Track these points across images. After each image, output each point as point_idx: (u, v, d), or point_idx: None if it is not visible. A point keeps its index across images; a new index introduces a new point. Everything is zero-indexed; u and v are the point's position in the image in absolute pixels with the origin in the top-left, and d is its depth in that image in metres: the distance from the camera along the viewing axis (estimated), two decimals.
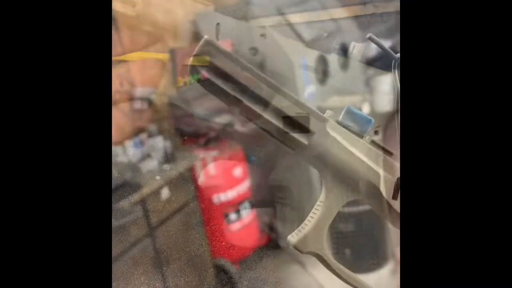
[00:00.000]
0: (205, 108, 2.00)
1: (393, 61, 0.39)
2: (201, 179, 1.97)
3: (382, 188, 0.27)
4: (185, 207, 1.81)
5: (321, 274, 2.12)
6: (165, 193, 1.70)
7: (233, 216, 2.06)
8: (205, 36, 0.27)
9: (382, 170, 0.28)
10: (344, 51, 2.75)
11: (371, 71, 3.95)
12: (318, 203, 0.29)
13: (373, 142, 0.29)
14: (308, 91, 2.32)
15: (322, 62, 2.54)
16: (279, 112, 0.28)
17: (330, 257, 0.28)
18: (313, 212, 0.29)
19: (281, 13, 2.36)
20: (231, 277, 2.03)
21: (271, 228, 2.32)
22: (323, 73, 2.54)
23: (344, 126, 0.28)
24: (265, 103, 0.27)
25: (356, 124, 0.29)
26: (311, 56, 2.39)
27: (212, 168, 1.97)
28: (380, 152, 0.28)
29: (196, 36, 2.54)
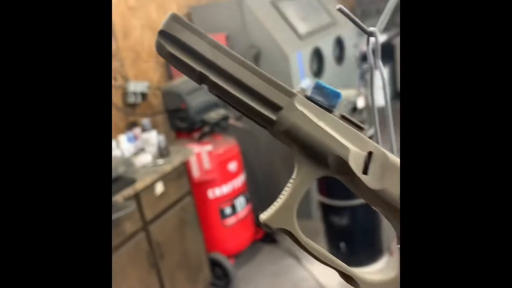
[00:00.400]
0: (200, 102, 1.99)
1: (366, 36, 0.38)
2: (196, 174, 1.96)
3: (352, 163, 0.26)
4: (179, 201, 1.81)
5: (317, 268, 2.13)
6: (159, 187, 1.69)
7: (228, 210, 2.05)
8: (171, 12, 0.27)
9: (352, 145, 0.27)
10: (339, 45, 2.73)
11: (367, 65, 3.95)
12: (290, 180, 0.28)
13: (343, 117, 0.28)
14: (303, 85, 2.32)
15: (318, 56, 2.53)
16: (246, 87, 0.27)
17: (300, 234, 0.27)
18: (285, 190, 0.28)
19: (276, 7, 2.34)
20: (226, 271, 2.04)
21: None
22: (318, 67, 2.53)
23: (313, 101, 0.27)
24: (232, 79, 0.27)
25: (325, 98, 0.28)
26: (306, 50, 2.39)
27: (207, 162, 1.96)
28: (350, 127, 0.27)
29: None
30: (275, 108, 0.27)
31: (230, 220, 2.08)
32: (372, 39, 0.38)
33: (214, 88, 0.27)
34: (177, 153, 1.83)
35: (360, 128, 0.28)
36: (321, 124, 0.27)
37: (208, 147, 1.96)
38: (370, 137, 0.29)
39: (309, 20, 2.49)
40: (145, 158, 1.75)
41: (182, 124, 1.99)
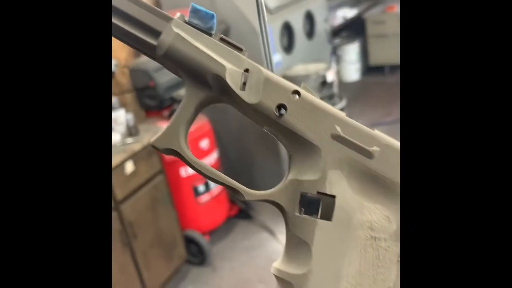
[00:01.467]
0: (169, 79, 1.96)
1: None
2: None
3: (229, 80, 0.27)
4: (151, 180, 1.80)
5: None
6: (129, 166, 1.67)
7: (201, 188, 2.06)
8: None
9: (228, 63, 0.28)
10: (310, 19, 2.72)
11: (338, 40, 3.94)
12: None
13: (222, 39, 0.29)
14: (274, 60, 2.30)
15: (288, 31, 2.51)
16: (127, 16, 0.28)
17: (187, 152, 0.28)
18: None
19: None
20: (201, 248, 2.06)
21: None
22: (288, 42, 2.52)
23: (191, 25, 0.29)
24: (114, 10, 0.28)
25: (201, 21, 0.29)
26: (276, 25, 2.36)
27: None
28: (228, 48, 0.28)
29: (157, 5, 2.45)
30: (155, 33, 0.28)
31: (204, 198, 2.08)
32: None
33: None
34: (146, 131, 1.81)
35: (239, 49, 0.29)
36: (197, 44, 0.28)
37: None
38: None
39: None
40: (114, 137, 1.72)
41: (151, 102, 1.95)
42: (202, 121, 2.04)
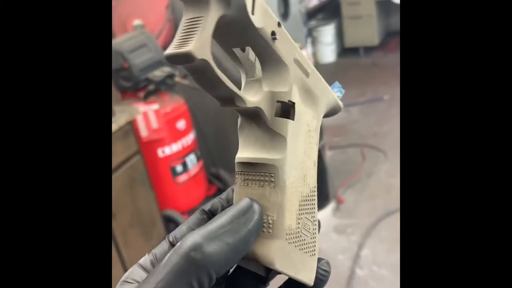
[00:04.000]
0: (143, 60, 1.96)
1: None
2: (144, 133, 1.96)
3: (247, 2, 0.31)
4: (128, 161, 1.81)
5: None
6: None
7: (179, 168, 2.08)
8: None
9: None
10: (284, 0, 2.71)
11: (314, 22, 3.93)
12: None
13: None
14: None
15: None
16: None
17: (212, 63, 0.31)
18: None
19: None
20: None
21: (218, 177, 2.38)
22: None
23: None
24: None
25: None
26: None
27: (154, 121, 1.96)
28: None
29: None
30: None
31: (182, 178, 2.11)
32: None
33: None
34: (122, 112, 1.81)
35: None
36: None
37: (155, 106, 1.95)
38: None
39: None
40: None
41: (126, 83, 1.95)
42: (178, 102, 2.05)
